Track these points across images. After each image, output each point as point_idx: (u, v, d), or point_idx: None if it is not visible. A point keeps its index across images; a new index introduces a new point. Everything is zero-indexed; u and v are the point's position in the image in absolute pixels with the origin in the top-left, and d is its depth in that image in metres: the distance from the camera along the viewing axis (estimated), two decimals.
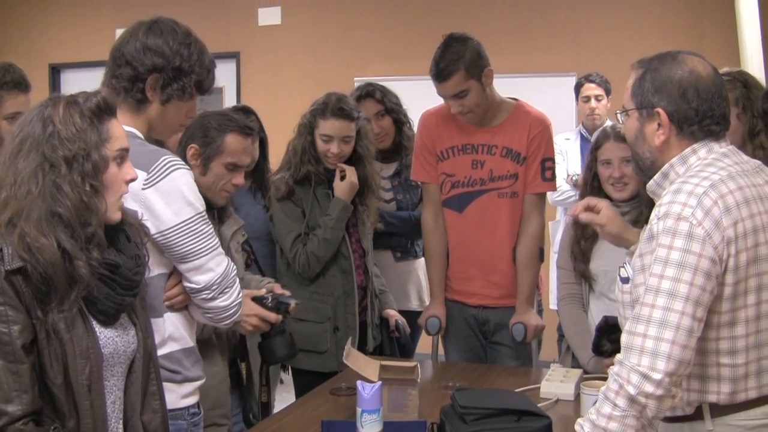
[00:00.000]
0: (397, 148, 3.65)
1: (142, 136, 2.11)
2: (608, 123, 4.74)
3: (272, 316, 2.56)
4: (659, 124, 1.89)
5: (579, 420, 1.84)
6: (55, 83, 7.43)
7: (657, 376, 1.69)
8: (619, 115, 2.02)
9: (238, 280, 2.13)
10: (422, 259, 3.55)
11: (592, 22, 5.96)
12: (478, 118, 3.15)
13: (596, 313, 2.89)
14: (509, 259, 3.20)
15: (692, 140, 1.88)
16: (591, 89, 4.86)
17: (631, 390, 1.71)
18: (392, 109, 3.62)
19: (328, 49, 6.60)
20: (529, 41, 6.09)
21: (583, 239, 2.95)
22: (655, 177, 1.94)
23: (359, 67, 6.30)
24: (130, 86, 2.08)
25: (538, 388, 2.65)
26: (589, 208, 2.38)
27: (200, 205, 2.06)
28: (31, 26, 7.45)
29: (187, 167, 2.07)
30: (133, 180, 1.82)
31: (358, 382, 2.18)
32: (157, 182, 1.99)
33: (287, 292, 2.69)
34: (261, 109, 5.38)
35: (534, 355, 3.23)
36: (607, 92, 4.88)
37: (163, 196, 1.98)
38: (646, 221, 2.81)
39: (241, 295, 2.13)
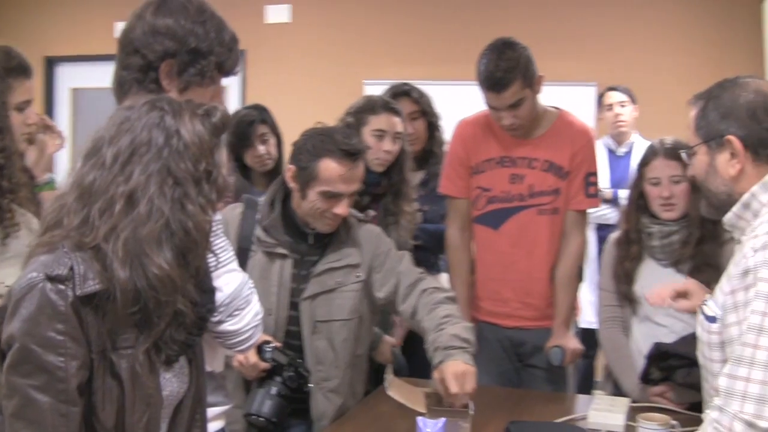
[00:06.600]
0: (426, 155, 3.42)
1: None
2: (635, 135, 4.61)
3: (260, 364, 2.38)
4: (732, 154, 1.79)
5: None
6: (50, 76, 7.23)
7: (765, 424, 1.56)
8: (684, 157, 1.92)
9: (255, 299, 1.82)
10: (444, 275, 3.35)
11: (614, 32, 5.80)
12: (525, 130, 2.96)
13: (639, 337, 2.76)
14: (547, 280, 3.02)
15: None
16: (614, 97, 4.69)
17: None
18: (428, 111, 3.41)
19: (337, 51, 6.42)
20: (548, 49, 5.91)
21: (627, 260, 2.80)
22: (734, 209, 1.82)
23: (369, 69, 6.14)
24: (142, 77, 1.77)
25: (584, 417, 2.50)
26: (680, 295, 2.21)
27: None
28: (26, 17, 7.24)
29: None
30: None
31: (419, 419, 2.01)
32: None
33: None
34: None
35: (570, 379, 3.07)
36: (632, 100, 4.68)
37: None
38: (697, 242, 2.73)
39: (258, 317, 1.82)
